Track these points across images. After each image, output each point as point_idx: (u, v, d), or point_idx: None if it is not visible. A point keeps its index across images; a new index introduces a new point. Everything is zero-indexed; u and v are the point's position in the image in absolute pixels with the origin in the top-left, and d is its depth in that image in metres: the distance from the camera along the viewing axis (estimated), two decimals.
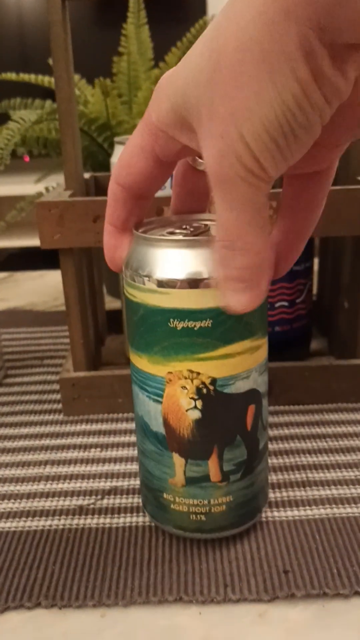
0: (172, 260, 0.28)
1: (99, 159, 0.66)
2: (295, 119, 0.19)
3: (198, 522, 0.32)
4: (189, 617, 0.29)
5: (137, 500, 0.37)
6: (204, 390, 0.29)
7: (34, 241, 0.41)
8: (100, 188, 0.56)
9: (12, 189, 1.18)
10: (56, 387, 0.52)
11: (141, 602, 0.30)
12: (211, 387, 0.29)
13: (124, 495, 0.38)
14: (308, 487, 0.38)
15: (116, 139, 0.50)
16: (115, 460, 0.41)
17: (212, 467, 0.31)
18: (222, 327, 0.28)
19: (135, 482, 0.39)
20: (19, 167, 1.03)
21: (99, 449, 0.43)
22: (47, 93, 0.66)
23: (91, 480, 0.39)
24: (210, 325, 0.28)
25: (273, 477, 0.39)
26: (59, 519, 0.36)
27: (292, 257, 0.30)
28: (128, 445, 0.43)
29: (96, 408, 0.47)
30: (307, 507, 0.36)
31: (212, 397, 0.29)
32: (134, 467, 0.40)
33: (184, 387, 0.29)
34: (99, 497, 0.38)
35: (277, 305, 0.49)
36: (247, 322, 0.29)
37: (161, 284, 0.28)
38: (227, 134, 0.20)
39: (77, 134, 0.46)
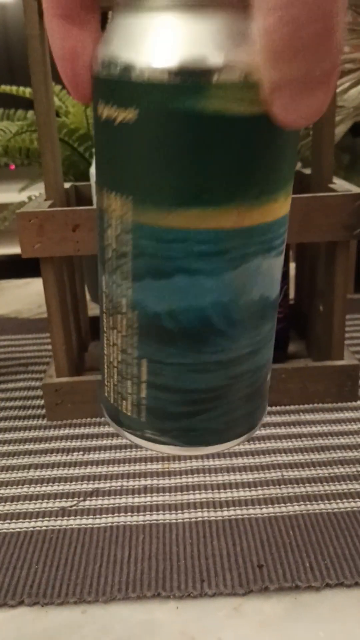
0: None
1: (80, 169, 0.68)
2: None
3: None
4: (166, 611, 0.30)
5: (117, 500, 0.38)
6: None
7: (18, 249, 0.41)
8: (81, 197, 0.57)
9: None
10: (40, 393, 0.53)
11: (120, 598, 0.31)
12: None
13: (106, 497, 0.39)
14: (283, 485, 0.39)
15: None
16: (97, 463, 0.42)
17: None
18: None
19: (117, 484, 0.40)
20: (3, 175, 1.04)
21: (81, 453, 0.44)
22: (30, 104, 0.67)
23: (74, 482, 0.40)
24: None
25: (250, 476, 0.40)
26: (42, 521, 0.37)
27: None
28: (110, 448, 0.44)
29: (79, 413, 0.48)
30: (282, 504, 0.37)
31: None
32: (116, 469, 0.42)
33: None
34: (81, 498, 0.39)
35: None
36: None
37: None
38: None
39: (56, 146, 0.47)
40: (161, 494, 0.39)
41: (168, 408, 0.21)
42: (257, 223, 0.19)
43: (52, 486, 0.40)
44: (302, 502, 0.37)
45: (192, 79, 0.16)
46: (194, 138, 0.17)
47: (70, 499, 0.39)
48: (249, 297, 0.20)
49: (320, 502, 0.37)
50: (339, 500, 0.37)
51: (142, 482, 0.40)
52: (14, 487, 0.40)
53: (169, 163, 0.17)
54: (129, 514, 0.37)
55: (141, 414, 0.21)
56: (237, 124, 0.17)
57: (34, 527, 0.36)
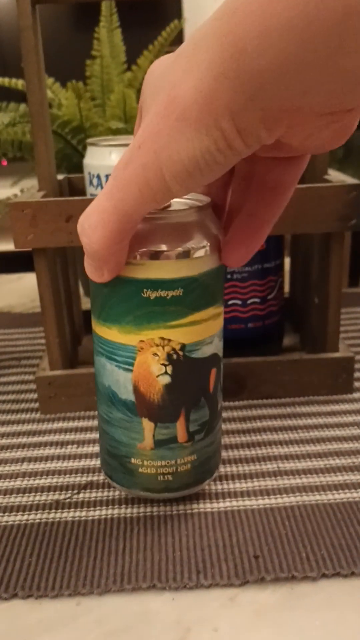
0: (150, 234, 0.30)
1: (73, 161, 0.67)
2: (214, 159, 0.22)
3: (165, 482, 0.34)
4: (162, 602, 0.30)
5: (112, 493, 0.38)
6: (174, 356, 0.31)
7: (10, 245, 0.41)
8: (74, 189, 0.56)
9: None
10: (33, 386, 0.52)
11: (116, 590, 0.31)
12: (180, 353, 0.31)
13: (99, 489, 0.38)
14: (279, 476, 0.39)
15: (88, 140, 0.51)
16: (91, 456, 0.42)
17: (180, 428, 0.33)
18: (192, 295, 0.30)
19: None
20: None
21: (75, 446, 0.43)
22: (22, 96, 0.67)
23: (67, 475, 0.40)
24: (181, 294, 0.30)
25: (246, 468, 0.40)
26: (36, 514, 0.37)
27: (255, 243, 0.30)
28: None
29: (72, 406, 0.48)
30: (278, 495, 0.37)
31: (181, 362, 0.31)
32: None
33: (155, 354, 0.31)
34: (75, 491, 0.38)
35: (249, 302, 0.50)
36: (212, 290, 0.31)
37: (136, 256, 0.29)
38: (146, 148, 0.23)
39: (49, 137, 0.47)
40: None
41: None
42: (99, 334, 0.33)
43: (45, 479, 0.40)
44: (298, 494, 0.37)
45: None
46: None
47: (64, 492, 0.38)
48: (101, 379, 0.34)
49: (316, 493, 0.37)
50: (335, 491, 0.37)
51: None
52: (7, 480, 0.40)
53: None
54: (123, 506, 0.37)
55: None
56: None
57: (27, 520, 0.36)
